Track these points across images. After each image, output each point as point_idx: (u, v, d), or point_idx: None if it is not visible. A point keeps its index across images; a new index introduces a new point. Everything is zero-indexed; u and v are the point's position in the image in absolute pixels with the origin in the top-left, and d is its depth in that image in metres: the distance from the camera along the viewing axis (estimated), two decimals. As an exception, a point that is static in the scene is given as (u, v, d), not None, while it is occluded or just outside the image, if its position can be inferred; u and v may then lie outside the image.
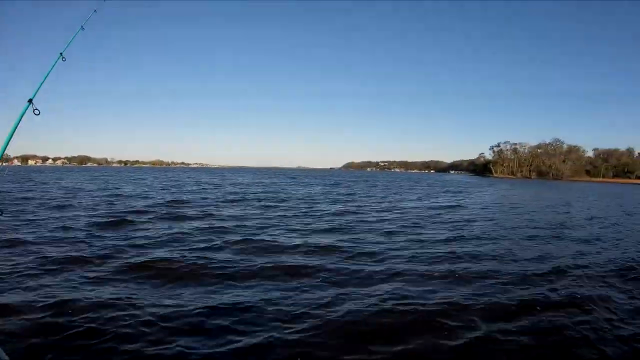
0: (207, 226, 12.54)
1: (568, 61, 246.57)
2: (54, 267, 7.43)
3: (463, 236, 12.24)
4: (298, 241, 10.63)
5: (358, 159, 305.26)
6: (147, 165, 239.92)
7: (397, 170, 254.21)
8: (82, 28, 4.36)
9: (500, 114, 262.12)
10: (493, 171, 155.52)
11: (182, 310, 5.53)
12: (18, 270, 7.17)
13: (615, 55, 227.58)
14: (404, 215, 17.84)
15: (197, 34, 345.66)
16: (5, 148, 2.93)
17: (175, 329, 4.97)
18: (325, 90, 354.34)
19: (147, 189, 30.88)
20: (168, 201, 20.84)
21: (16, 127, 3.02)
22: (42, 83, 3.47)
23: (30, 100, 3.20)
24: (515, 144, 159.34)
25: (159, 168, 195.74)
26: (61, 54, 3.85)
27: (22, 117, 3.09)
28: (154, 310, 5.49)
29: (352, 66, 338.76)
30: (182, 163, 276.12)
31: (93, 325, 4.95)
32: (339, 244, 10.38)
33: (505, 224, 15.74)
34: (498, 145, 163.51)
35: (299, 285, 6.87)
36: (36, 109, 3.16)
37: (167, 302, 5.87)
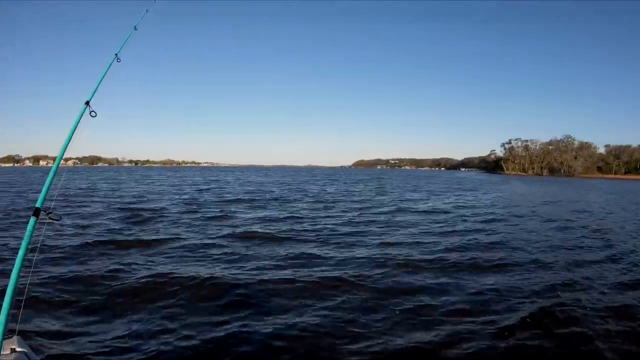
0: (239, 233, 11.88)
1: (579, 57, 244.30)
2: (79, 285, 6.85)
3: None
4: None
5: (368, 156, 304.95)
6: (158, 165, 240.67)
7: (407, 167, 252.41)
8: (135, 28, 4.27)
9: (511, 110, 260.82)
10: (504, 168, 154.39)
11: (228, 334, 4.98)
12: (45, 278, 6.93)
13: (628, 51, 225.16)
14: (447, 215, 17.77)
15: (205, 32, 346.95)
16: (64, 150, 2.87)
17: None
18: (335, 88, 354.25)
19: (168, 190, 30.98)
20: (188, 203, 20.91)
21: (75, 129, 2.95)
22: (98, 85, 3.40)
23: (87, 103, 3.13)
24: (527, 140, 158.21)
25: (171, 167, 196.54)
26: (116, 54, 3.78)
27: (80, 119, 3.03)
28: (199, 335, 4.95)
29: (362, 64, 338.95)
30: (193, 162, 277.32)
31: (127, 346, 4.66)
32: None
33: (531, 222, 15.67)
34: (509, 142, 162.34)
35: (347, 298, 6.35)
36: (92, 111, 3.09)
37: (213, 319, 5.40)
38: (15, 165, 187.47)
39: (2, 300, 1.98)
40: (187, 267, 7.84)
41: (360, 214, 17.39)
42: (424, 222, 15.32)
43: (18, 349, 2.43)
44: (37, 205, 2.41)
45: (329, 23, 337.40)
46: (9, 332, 2.40)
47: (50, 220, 2.46)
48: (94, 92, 3.28)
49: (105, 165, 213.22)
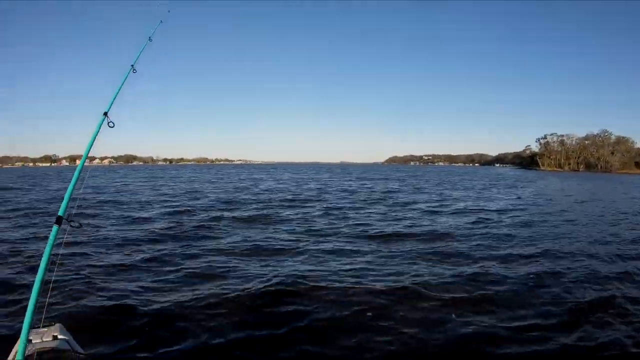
0: (283, 233, 11.80)
1: (614, 49, 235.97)
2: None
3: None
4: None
5: (401, 153, 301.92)
6: (192, 163, 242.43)
7: (440, 163, 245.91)
8: (150, 39, 4.39)
9: (546, 104, 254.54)
10: (540, 164, 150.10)
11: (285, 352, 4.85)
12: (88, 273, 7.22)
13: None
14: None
15: (233, 33, 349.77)
16: (85, 159, 2.97)
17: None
18: (367, 85, 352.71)
19: (205, 188, 31.25)
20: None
21: (94, 140, 3.06)
22: (115, 96, 3.50)
23: (105, 113, 3.24)
24: (562, 135, 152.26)
25: (205, 165, 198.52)
26: (132, 65, 3.90)
27: (99, 129, 3.13)
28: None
29: (392, 60, 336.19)
30: (226, 160, 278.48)
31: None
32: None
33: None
34: (544, 137, 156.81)
35: (409, 308, 6.13)
36: (110, 122, 3.19)
37: (260, 332, 5.25)
38: (52, 165, 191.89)
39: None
40: (234, 272, 7.71)
41: (405, 213, 17.21)
42: (471, 217, 15.47)
43: (60, 337, 2.53)
44: (59, 213, 2.49)
45: (357, 22, 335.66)
46: (51, 321, 2.58)
47: (72, 228, 2.56)
48: (112, 103, 3.39)
49: (140, 163, 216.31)
